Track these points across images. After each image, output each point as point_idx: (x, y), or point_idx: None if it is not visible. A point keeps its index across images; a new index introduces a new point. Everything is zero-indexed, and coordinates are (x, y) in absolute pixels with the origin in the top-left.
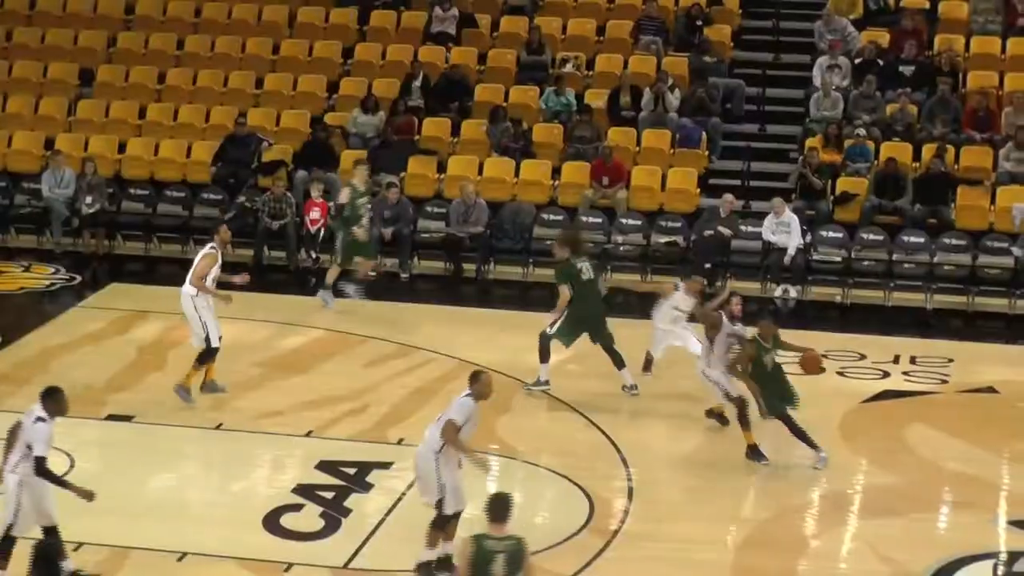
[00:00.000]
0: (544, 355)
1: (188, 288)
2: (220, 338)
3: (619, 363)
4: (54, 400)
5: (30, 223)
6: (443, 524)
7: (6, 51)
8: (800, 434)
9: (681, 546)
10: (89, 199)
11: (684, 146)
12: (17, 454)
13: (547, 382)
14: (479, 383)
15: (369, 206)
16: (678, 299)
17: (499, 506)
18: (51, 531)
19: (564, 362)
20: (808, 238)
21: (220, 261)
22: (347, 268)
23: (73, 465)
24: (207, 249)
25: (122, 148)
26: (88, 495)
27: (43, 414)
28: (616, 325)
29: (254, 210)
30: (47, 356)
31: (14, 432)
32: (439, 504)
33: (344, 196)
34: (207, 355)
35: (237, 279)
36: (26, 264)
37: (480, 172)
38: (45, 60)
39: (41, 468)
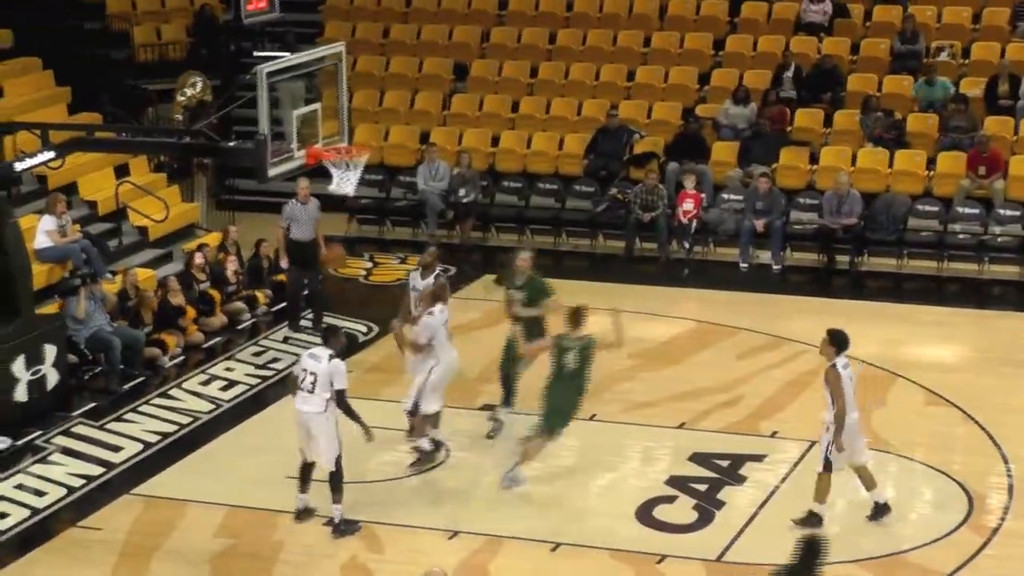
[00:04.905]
0: None
1: None
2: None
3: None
4: (336, 338)
5: (406, 215)
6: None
7: (383, 47)
8: None
9: None
10: (463, 191)
11: None
12: (326, 392)
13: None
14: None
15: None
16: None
17: (576, 315)
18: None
19: (940, 355)
20: None
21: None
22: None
23: (448, 453)
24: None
25: (495, 141)
26: (370, 435)
27: (334, 352)
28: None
29: (626, 202)
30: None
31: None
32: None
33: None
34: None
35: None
36: (402, 256)
37: (853, 163)
38: (420, 55)
39: (342, 400)
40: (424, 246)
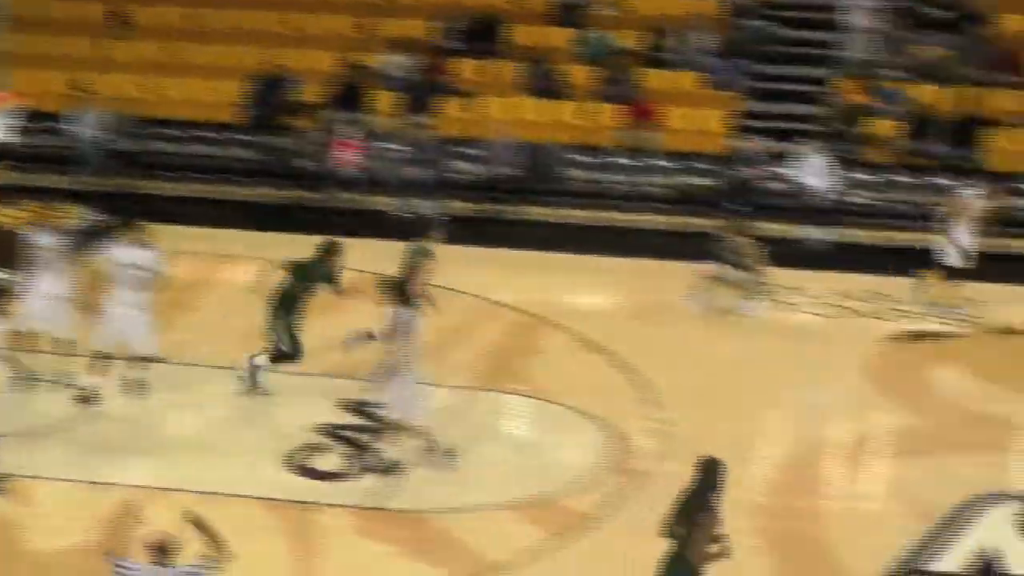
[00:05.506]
0: None
1: None
2: None
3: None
4: None
5: (59, 163)
6: None
7: None
8: None
9: None
10: (117, 138)
11: (716, 87)
12: None
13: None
14: None
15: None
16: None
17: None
18: None
19: (596, 302)
20: (839, 180)
21: None
22: None
23: (104, 402)
24: None
25: (152, 88)
26: None
27: None
28: None
29: (285, 150)
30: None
31: None
32: None
33: None
34: None
35: None
36: (55, 204)
37: (513, 113)
38: (78, 0)
39: None
40: (76, 196)
